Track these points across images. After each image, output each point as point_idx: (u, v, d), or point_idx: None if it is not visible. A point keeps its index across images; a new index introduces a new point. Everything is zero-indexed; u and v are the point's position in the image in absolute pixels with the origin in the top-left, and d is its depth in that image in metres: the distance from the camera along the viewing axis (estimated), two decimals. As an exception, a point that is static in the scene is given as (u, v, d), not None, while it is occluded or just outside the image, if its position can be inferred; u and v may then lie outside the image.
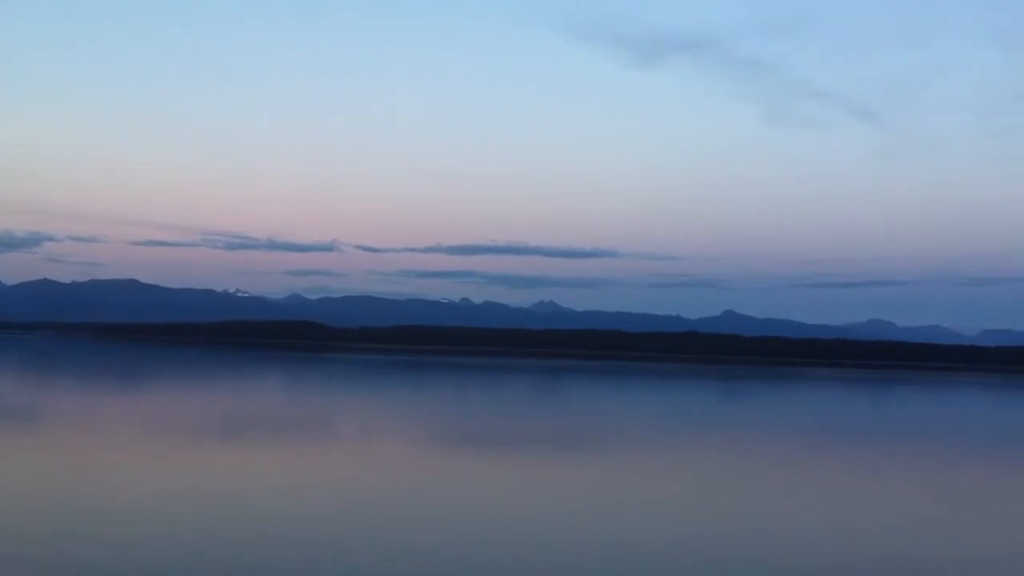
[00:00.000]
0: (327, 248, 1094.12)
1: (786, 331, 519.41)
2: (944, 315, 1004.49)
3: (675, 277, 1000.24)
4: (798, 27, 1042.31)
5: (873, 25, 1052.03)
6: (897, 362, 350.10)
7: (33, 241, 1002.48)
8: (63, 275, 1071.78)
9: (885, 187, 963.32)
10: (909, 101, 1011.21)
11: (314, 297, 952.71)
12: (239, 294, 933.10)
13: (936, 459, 47.63)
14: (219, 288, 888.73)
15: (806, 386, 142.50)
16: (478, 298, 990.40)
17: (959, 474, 41.34)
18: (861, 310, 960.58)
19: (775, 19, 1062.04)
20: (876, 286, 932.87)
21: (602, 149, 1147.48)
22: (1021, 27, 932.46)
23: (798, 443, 52.32)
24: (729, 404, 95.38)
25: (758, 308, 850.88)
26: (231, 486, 29.04)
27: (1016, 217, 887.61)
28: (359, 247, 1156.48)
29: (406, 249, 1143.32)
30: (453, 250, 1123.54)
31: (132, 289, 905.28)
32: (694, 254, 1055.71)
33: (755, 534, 24.75)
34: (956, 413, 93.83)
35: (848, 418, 78.66)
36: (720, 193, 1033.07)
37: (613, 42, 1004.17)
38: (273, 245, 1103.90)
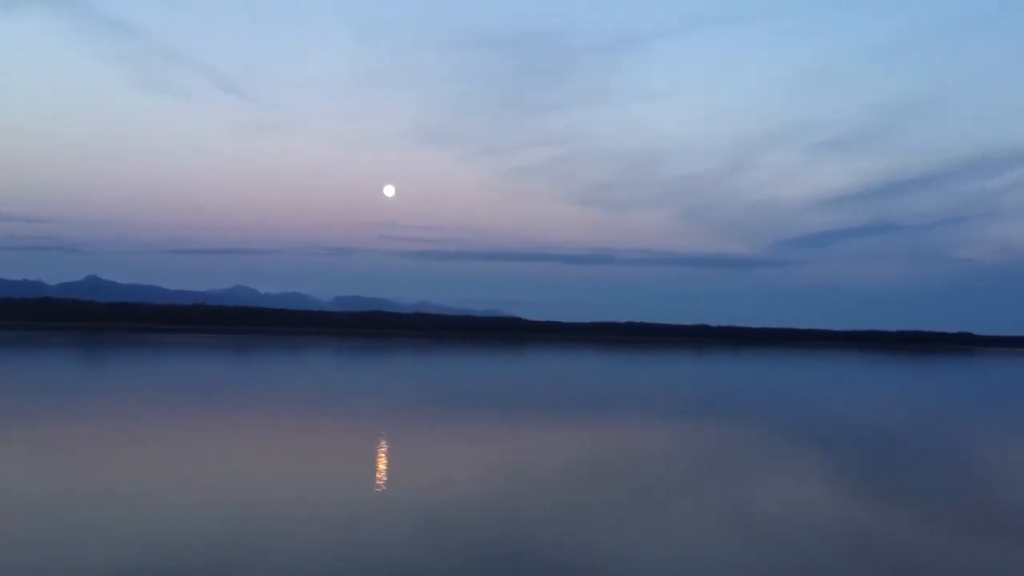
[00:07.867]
0: None
1: (151, 297, 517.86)
2: (302, 282, 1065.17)
3: (34, 240, 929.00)
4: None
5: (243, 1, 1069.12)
6: (258, 327, 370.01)
7: None
8: None
9: (251, 159, 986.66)
10: (273, 79, 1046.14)
11: None
12: None
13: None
14: None
15: (158, 353, 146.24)
16: None
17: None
18: (225, 277, 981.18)
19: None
20: (240, 254, 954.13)
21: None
22: (370, 20, 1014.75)
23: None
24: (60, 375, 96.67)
25: (124, 274, 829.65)
26: None
27: (362, 192, 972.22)
28: None
29: None
30: None
31: None
32: (55, 217, 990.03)
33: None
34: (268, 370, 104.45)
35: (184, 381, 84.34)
36: (84, 155, 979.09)
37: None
38: None
